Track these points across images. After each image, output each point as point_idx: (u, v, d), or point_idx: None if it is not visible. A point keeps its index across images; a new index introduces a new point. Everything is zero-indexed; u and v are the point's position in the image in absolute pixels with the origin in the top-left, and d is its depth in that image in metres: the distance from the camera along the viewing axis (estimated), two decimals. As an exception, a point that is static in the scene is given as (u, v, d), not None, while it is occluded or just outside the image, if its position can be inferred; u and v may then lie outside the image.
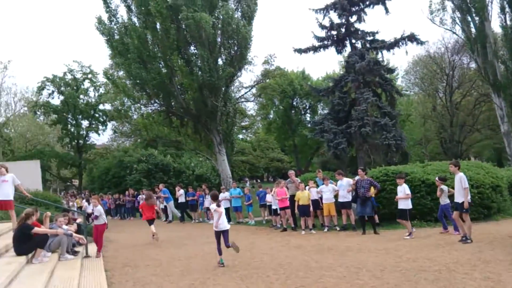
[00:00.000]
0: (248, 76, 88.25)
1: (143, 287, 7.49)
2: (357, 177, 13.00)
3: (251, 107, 45.08)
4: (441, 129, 38.71)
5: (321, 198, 13.70)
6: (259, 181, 65.66)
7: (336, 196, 13.47)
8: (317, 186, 14.31)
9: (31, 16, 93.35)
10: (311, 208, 13.54)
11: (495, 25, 26.42)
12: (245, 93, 34.11)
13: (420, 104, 41.36)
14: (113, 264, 9.73)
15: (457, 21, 26.57)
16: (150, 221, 13.44)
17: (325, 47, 22.99)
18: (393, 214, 12.04)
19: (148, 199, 13.79)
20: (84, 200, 22.00)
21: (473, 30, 25.54)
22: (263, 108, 47.21)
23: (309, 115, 48.79)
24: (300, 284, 7.02)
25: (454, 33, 28.67)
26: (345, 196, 13.10)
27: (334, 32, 22.77)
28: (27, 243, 7.92)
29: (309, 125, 34.94)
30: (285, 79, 42.84)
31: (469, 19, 25.60)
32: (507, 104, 24.92)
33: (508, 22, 24.52)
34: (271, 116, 49.70)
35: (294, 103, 47.74)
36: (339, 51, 23.31)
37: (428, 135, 40.82)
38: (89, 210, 11.58)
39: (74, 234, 10.01)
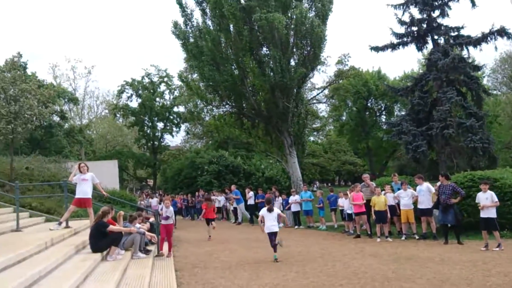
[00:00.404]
0: (320, 77, 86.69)
1: (212, 290, 7.33)
2: (438, 183, 12.10)
3: (323, 109, 44.29)
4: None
5: (397, 204, 12.96)
6: (329, 184, 64.47)
7: (415, 203, 12.65)
8: (393, 191, 13.59)
9: (113, 23, 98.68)
10: (388, 214, 12.82)
11: None
12: (317, 94, 33.53)
13: (508, 105, 38.28)
14: (183, 264, 9.74)
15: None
16: (209, 220, 14.85)
17: (404, 44, 21.93)
18: (479, 223, 11.00)
19: (207, 200, 15.67)
20: (153, 199, 22.64)
21: None
22: (335, 109, 46.13)
23: (384, 117, 46.91)
24: None
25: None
26: (425, 203, 12.27)
27: (414, 28, 21.76)
28: (103, 240, 8.10)
29: (384, 127, 33.44)
30: (359, 79, 41.42)
31: None
32: None
33: None
34: (344, 117, 48.39)
35: (369, 104, 45.80)
36: (419, 48, 22.15)
37: None
38: (161, 211, 11.76)
39: (147, 233, 10.12)
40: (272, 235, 9.67)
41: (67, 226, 10.32)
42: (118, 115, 47.90)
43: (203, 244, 13.31)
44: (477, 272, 7.64)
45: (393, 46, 22.00)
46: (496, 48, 20.28)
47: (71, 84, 51.04)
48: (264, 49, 23.72)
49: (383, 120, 45.92)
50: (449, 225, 11.46)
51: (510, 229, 11.77)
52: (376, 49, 22.22)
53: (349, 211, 14.58)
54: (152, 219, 12.02)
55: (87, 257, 7.41)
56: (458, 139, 19.25)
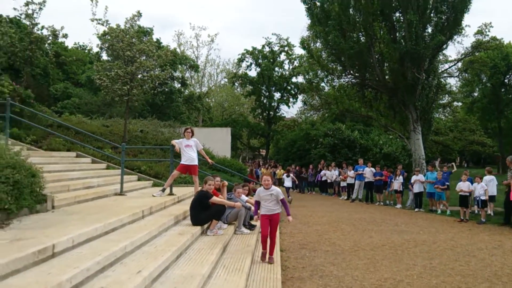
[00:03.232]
0: (453, 49, 79.30)
1: (321, 279, 6.39)
2: None
3: (452, 83, 40.46)
4: None
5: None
6: (453, 164, 59.65)
7: None
8: None
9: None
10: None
11: None
12: (450, 67, 30.07)
13: None
14: (289, 244, 8.94)
15: None
16: None
17: None
18: None
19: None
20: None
21: None
22: (467, 84, 42.01)
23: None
24: None
25: None
26: None
27: None
28: (204, 213, 7.49)
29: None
30: (498, 52, 37.13)
31: None
32: None
33: None
34: (476, 94, 43.96)
35: (506, 80, 41.35)
36: None
37: None
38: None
39: (252, 207, 9.34)
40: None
41: (170, 193, 9.98)
42: (236, 84, 48.41)
43: (312, 222, 12.34)
44: None
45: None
46: None
47: (194, 52, 53.10)
48: (397, 14, 21.59)
49: None
50: None
51: None
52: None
53: (483, 198, 13.13)
54: None
55: (185, 231, 6.82)
56: None
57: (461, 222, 12.97)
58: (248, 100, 51.70)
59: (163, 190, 9.73)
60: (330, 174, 22.05)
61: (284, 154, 31.40)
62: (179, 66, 37.50)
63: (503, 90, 41.77)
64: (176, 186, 11.42)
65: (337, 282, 6.26)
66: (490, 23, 30.91)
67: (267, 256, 6.74)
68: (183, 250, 5.91)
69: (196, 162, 9.83)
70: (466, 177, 13.91)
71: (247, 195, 9.99)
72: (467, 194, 13.52)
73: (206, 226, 7.63)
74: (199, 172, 10.30)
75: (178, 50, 44.64)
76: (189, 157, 9.66)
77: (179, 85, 37.07)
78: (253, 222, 9.12)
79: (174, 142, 10.08)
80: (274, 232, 6.76)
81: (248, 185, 10.97)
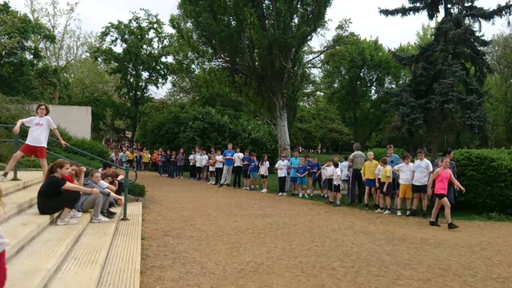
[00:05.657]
0: (317, 41, 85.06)
1: (183, 266, 6.20)
2: (446, 159, 11.26)
3: (315, 74, 43.14)
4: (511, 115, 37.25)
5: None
6: (312, 151, 64.25)
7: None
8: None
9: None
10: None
11: None
12: (313, 58, 31.97)
13: (495, 86, 38.27)
14: (152, 231, 8.55)
15: None
16: None
17: (416, 10, 20.51)
18: (471, 203, 11.11)
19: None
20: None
21: None
22: (329, 76, 45.21)
23: (374, 88, 46.76)
24: (375, 286, 5.64)
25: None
26: (422, 179, 11.70)
27: (429, -6, 20.30)
28: (53, 200, 6.66)
29: (382, 95, 32.80)
30: (356, 47, 40.63)
31: None
32: None
33: None
34: (336, 85, 47.58)
35: (361, 73, 45.59)
36: (431, 16, 20.80)
37: (497, 120, 38.45)
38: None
39: (112, 194, 8.65)
40: None
41: (15, 178, 8.62)
42: (99, 60, 44.71)
43: (178, 208, 12.04)
44: (477, 260, 7.11)
45: (404, 11, 20.59)
46: (509, 22, 19.11)
47: (50, 21, 48.10)
48: (267, 1, 21.97)
49: (373, 91, 46.14)
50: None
51: (500, 212, 11.71)
52: (386, 12, 20.78)
53: (335, 182, 14.04)
54: (121, 177, 10.37)
55: (30, 220, 6.00)
56: (456, 115, 18.44)
57: (330, 204, 13.94)
58: (113, 78, 48.36)
59: (5, 175, 8.35)
60: (200, 158, 21.84)
61: (151, 137, 30.31)
62: (32, 35, 33.39)
63: (358, 83, 45.90)
64: (24, 170, 10.19)
65: (200, 268, 6.14)
66: (350, 19, 33.55)
67: None
68: (26, 243, 5.18)
69: (43, 144, 8.56)
70: (330, 163, 14.69)
71: (110, 182, 9.27)
72: (332, 178, 14.34)
73: (56, 215, 6.85)
74: (51, 155, 9.19)
75: (30, 16, 39.52)
76: (35, 137, 8.41)
77: (31, 57, 33.19)
78: (112, 210, 8.50)
79: (22, 120, 8.69)
80: None
81: (108, 169, 10.21)
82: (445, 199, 10.08)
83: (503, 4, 18.89)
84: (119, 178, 10.23)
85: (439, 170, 10.30)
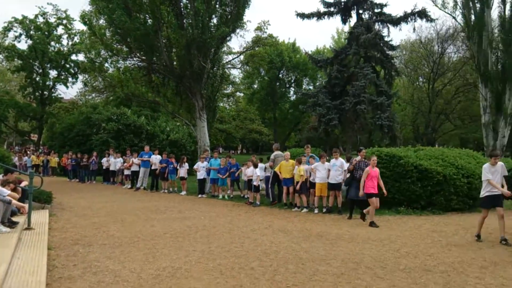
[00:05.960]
0: (237, 42, 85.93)
1: (95, 276, 5.77)
2: (358, 158, 11.72)
3: (236, 75, 43.39)
4: (417, 115, 40.18)
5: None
6: (233, 152, 64.63)
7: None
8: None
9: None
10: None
11: (494, 14, 26.29)
12: (233, 58, 32.07)
13: (402, 88, 41.20)
14: (60, 240, 7.92)
15: (459, 5, 26.04)
16: None
17: (330, 14, 21.58)
18: (381, 198, 11.15)
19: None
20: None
21: (472, 17, 25.22)
22: (248, 76, 45.66)
23: (293, 89, 47.94)
24: (292, 282, 5.66)
25: (454, 18, 28.33)
26: (336, 177, 12.13)
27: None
28: None
29: (300, 96, 33.74)
30: (274, 49, 41.44)
31: (471, 4, 25.16)
32: (492, 96, 24.78)
33: (507, 13, 24.39)
34: (255, 86, 48.18)
35: (280, 75, 46.55)
36: (344, 21, 22.05)
37: (405, 120, 41.18)
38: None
39: (14, 201, 7.94)
40: None
41: None
42: (1, 57, 41.93)
43: (90, 214, 11.34)
44: (387, 252, 7.41)
45: (319, 15, 21.51)
46: (414, 29, 21.19)
47: None
48: (185, 0, 21.61)
49: (291, 92, 47.29)
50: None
51: (407, 206, 12.27)
52: (302, 16, 21.57)
53: (255, 183, 14.04)
54: (24, 183, 9.58)
55: None
56: (367, 115, 19.50)
57: (250, 204, 13.89)
58: (16, 76, 45.33)
59: None
60: (114, 162, 20.85)
61: (60, 139, 28.40)
62: None
63: (277, 84, 46.86)
64: None
65: (113, 277, 5.75)
66: (268, 21, 34.18)
67: None
68: None
69: None
70: (250, 163, 14.64)
71: (13, 189, 8.46)
72: (251, 178, 14.31)
73: None
74: None
75: None
76: None
77: None
78: (15, 219, 7.77)
79: None
80: None
81: (10, 175, 9.32)
82: (373, 198, 10.34)
83: (409, 11, 20.31)
84: (23, 184, 9.37)
85: (368, 169, 10.47)
